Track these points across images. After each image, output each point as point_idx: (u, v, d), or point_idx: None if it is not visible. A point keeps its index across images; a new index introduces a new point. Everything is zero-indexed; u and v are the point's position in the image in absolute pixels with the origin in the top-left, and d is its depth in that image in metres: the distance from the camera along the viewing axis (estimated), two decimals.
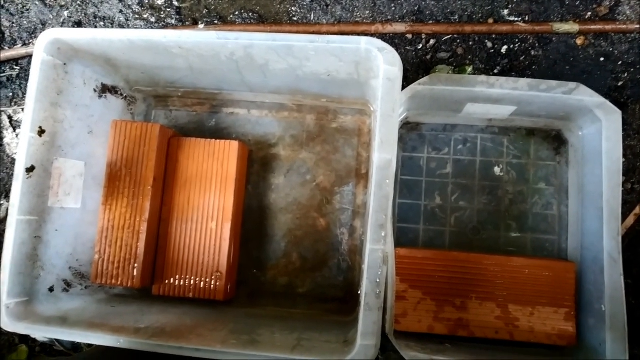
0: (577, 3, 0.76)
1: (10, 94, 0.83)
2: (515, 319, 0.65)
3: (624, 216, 0.72)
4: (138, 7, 0.82)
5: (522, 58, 0.76)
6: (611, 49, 0.75)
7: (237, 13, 0.80)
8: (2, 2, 0.84)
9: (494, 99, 0.65)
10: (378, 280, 0.50)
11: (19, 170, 0.57)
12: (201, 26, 0.80)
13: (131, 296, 0.72)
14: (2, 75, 0.83)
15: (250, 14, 0.80)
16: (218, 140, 0.70)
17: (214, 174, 0.69)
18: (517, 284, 0.66)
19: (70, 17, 0.83)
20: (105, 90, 0.70)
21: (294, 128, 0.76)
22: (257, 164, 0.76)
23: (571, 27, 0.74)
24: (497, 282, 0.66)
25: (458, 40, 0.77)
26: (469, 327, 0.66)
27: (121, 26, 0.82)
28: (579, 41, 0.75)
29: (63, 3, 0.83)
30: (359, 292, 0.67)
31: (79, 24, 0.82)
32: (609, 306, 0.59)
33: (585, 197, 0.68)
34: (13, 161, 0.82)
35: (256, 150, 0.76)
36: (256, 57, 0.60)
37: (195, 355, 0.52)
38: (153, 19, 0.81)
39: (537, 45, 0.76)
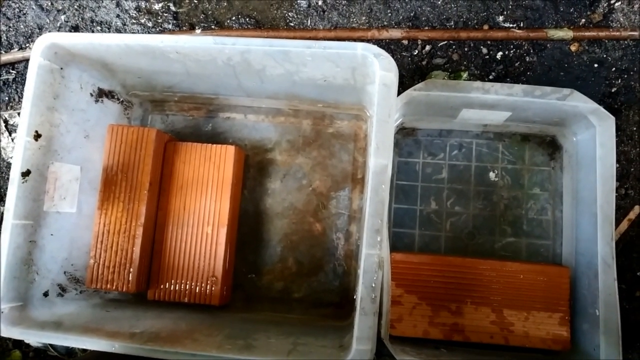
0: (571, 10, 0.77)
1: (6, 98, 0.83)
2: (510, 324, 0.66)
3: (618, 221, 0.72)
4: (135, 12, 0.82)
5: (517, 64, 0.76)
6: (605, 56, 0.76)
7: (234, 18, 0.80)
8: None
9: (489, 105, 0.65)
10: (374, 285, 0.50)
11: (15, 175, 0.57)
12: (198, 31, 0.80)
13: (126, 301, 0.71)
14: None
15: (247, 19, 0.80)
16: (214, 145, 0.70)
17: (210, 179, 0.69)
18: (512, 288, 0.66)
19: (67, 22, 0.83)
20: (101, 94, 0.70)
21: (291, 133, 0.76)
22: (253, 168, 0.76)
23: (565, 33, 0.75)
24: (492, 286, 0.66)
25: (453, 46, 0.77)
26: (464, 331, 0.66)
27: (118, 31, 0.82)
28: (573, 47, 0.76)
29: (60, 7, 0.83)
30: (355, 297, 0.67)
31: (76, 29, 0.82)
32: (603, 311, 0.59)
33: (580, 202, 0.68)
34: (8, 165, 0.82)
35: (252, 155, 0.76)
36: (253, 62, 0.60)
37: None
38: (150, 24, 0.82)
39: (531, 51, 0.76)
